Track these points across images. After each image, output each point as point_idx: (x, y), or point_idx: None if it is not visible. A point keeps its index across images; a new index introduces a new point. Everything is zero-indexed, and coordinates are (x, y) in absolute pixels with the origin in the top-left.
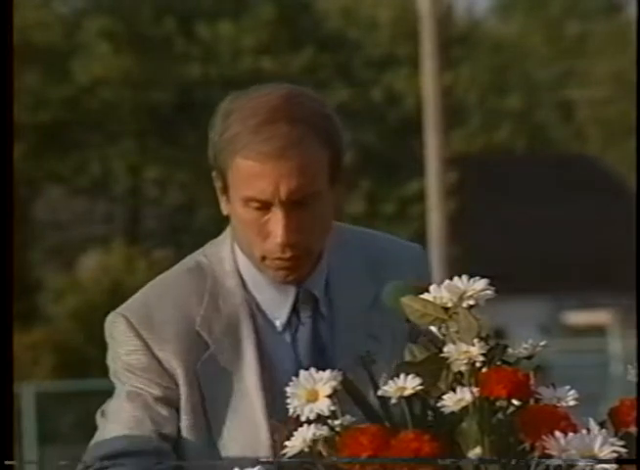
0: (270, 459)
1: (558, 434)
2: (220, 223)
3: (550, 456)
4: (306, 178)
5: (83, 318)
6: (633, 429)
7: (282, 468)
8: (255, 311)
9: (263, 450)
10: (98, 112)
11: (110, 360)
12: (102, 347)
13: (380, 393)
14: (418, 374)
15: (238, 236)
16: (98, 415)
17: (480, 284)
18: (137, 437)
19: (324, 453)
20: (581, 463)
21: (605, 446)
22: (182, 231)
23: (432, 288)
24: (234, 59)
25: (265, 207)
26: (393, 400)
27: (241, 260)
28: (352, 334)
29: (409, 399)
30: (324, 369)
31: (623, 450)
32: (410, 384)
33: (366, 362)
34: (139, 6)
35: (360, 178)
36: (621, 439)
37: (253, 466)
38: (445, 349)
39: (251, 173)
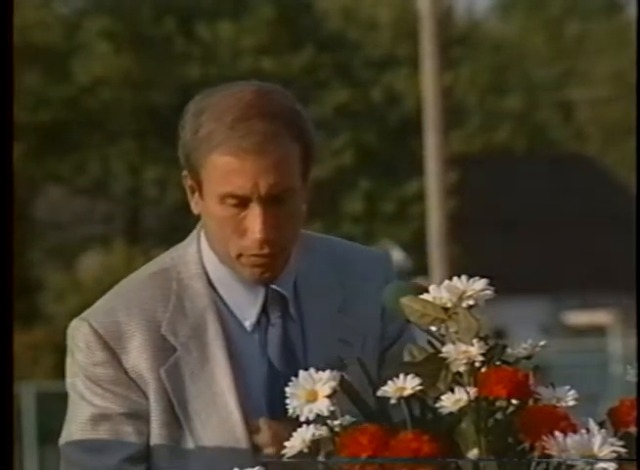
0: (271, 460)
1: (557, 434)
2: None
3: (550, 456)
4: (283, 174)
5: None
6: (633, 429)
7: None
8: (224, 312)
9: (242, 449)
10: (98, 112)
11: (70, 369)
12: None
13: (379, 393)
14: (417, 374)
15: (211, 235)
16: (61, 441)
17: (479, 284)
18: (104, 466)
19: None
20: (581, 463)
21: (604, 445)
22: (182, 231)
23: (431, 288)
24: (234, 59)
25: (242, 203)
26: (393, 401)
27: (208, 262)
28: (323, 337)
29: (408, 399)
30: (294, 371)
31: (623, 450)
32: (409, 384)
33: (337, 366)
34: (139, 6)
35: (360, 178)
36: (621, 439)
37: (254, 466)
38: (444, 349)
39: (229, 169)
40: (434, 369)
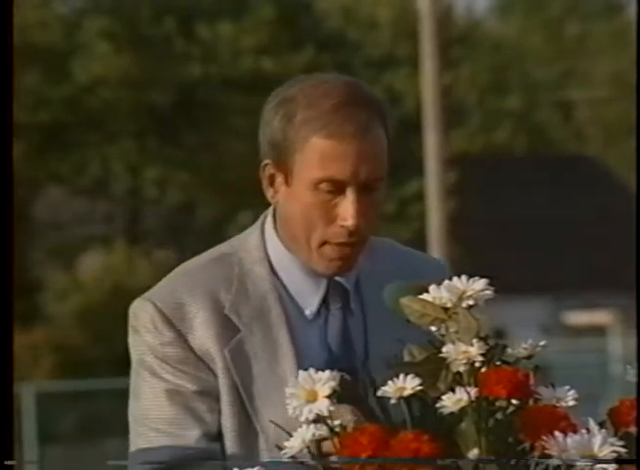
0: (271, 460)
1: (557, 434)
2: (220, 223)
3: (550, 456)
4: (379, 162)
5: (84, 318)
6: (633, 429)
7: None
8: (285, 299)
9: None
10: (98, 112)
11: (135, 349)
12: (102, 346)
13: (379, 393)
14: (417, 374)
15: (291, 223)
16: (131, 419)
17: (479, 284)
18: (183, 442)
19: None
20: (581, 463)
21: (604, 446)
22: (182, 231)
23: (431, 288)
24: (234, 59)
25: (338, 189)
26: (393, 401)
27: (272, 249)
28: (384, 335)
29: (408, 399)
30: (353, 363)
31: (623, 450)
32: (409, 384)
33: (394, 366)
34: (139, 6)
35: None
36: (621, 439)
37: (253, 467)
38: (444, 349)
39: (331, 154)
40: (434, 369)
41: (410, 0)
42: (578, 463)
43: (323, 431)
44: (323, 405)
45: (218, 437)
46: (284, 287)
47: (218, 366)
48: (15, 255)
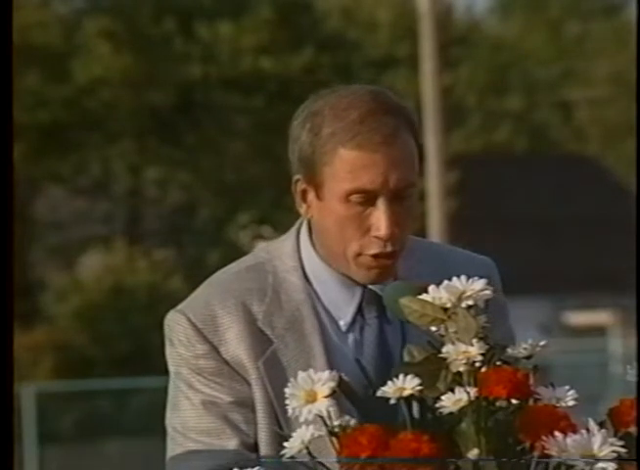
0: (271, 460)
1: (557, 434)
2: (220, 223)
3: (550, 456)
4: (409, 168)
5: (84, 318)
6: (633, 429)
7: None
8: (319, 308)
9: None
10: (98, 112)
11: (171, 361)
12: (102, 346)
13: (379, 393)
14: (417, 374)
15: (326, 237)
16: (170, 429)
17: (478, 284)
18: (221, 452)
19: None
20: (581, 463)
21: (604, 446)
22: (182, 231)
23: (430, 288)
24: (234, 59)
25: (369, 199)
26: (393, 401)
27: (306, 258)
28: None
29: (408, 399)
30: (389, 374)
31: (623, 450)
32: (409, 384)
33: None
34: (139, 6)
35: None
36: (621, 439)
37: (253, 466)
38: (444, 349)
39: (359, 164)
40: (434, 369)
41: (410, 0)
42: (578, 463)
43: (322, 431)
44: (322, 406)
45: (255, 447)
46: (318, 297)
47: (252, 378)
48: (15, 255)
